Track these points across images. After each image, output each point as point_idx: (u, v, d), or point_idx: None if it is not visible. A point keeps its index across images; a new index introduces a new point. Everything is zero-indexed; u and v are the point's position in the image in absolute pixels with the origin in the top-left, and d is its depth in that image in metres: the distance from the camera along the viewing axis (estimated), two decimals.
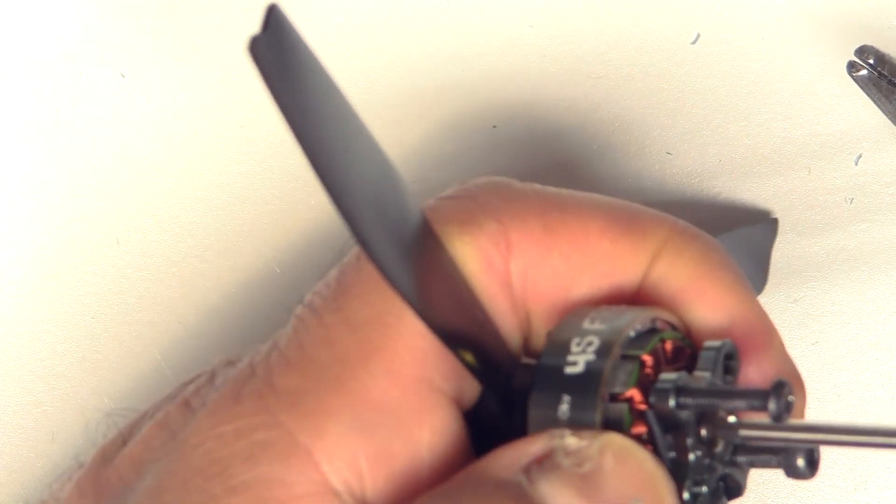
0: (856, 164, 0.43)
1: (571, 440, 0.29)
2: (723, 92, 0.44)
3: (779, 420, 0.28)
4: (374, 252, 0.27)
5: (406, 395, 0.30)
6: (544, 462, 0.28)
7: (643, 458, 0.29)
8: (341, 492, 0.29)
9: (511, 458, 0.29)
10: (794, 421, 0.29)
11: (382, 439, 0.29)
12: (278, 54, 0.26)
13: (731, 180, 0.44)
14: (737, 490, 0.31)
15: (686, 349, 0.31)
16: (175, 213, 0.45)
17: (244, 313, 0.45)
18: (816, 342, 0.43)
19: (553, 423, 0.29)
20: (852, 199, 0.43)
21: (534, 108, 0.45)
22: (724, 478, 0.30)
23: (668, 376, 0.29)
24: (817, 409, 0.42)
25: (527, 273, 0.31)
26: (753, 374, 0.31)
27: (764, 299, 0.43)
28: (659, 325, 0.31)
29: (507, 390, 0.30)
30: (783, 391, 0.28)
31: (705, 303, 0.32)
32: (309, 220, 0.45)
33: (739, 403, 0.29)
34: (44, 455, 0.44)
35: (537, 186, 0.33)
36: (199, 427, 0.30)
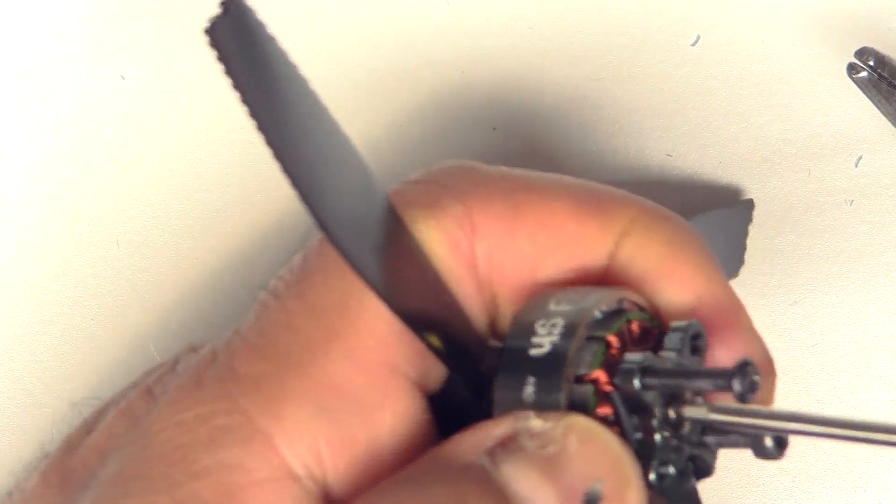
0: (856, 166, 0.43)
1: (536, 422, 0.28)
2: (723, 93, 0.44)
3: (743, 400, 0.28)
4: (334, 235, 0.27)
5: (367, 380, 0.29)
6: (508, 444, 0.28)
7: (608, 440, 0.29)
8: (302, 476, 0.29)
9: (475, 440, 0.29)
10: (760, 407, 0.29)
11: (343, 424, 0.29)
12: (238, 39, 0.25)
13: (731, 181, 0.44)
14: (706, 471, 0.30)
15: (654, 330, 0.31)
16: (175, 214, 0.45)
17: (245, 315, 0.45)
18: (816, 344, 0.43)
19: (518, 405, 0.29)
20: (852, 200, 0.43)
21: (533, 110, 0.45)
22: (692, 458, 0.30)
23: (633, 357, 0.29)
24: (816, 409, 0.42)
25: (492, 255, 0.31)
26: (722, 354, 0.31)
27: (763, 301, 0.43)
28: (626, 305, 0.31)
29: (474, 373, 0.30)
30: (747, 371, 0.28)
31: (673, 283, 0.32)
32: (310, 221, 0.45)
33: (704, 383, 0.29)
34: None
35: (503, 168, 0.33)
36: (160, 414, 0.30)
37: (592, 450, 0.28)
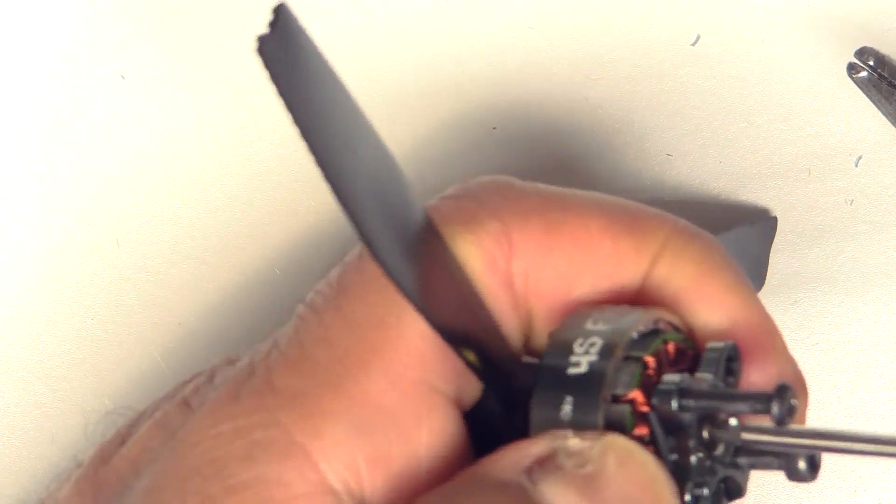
0: (856, 166, 0.43)
1: (574, 441, 0.29)
2: (723, 93, 0.44)
3: (781, 424, 0.28)
4: (377, 250, 0.27)
5: (404, 397, 0.29)
6: (546, 463, 0.28)
7: (645, 460, 0.29)
8: (340, 492, 0.29)
9: (513, 458, 0.29)
10: (796, 426, 0.29)
11: (380, 440, 0.29)
12: (286, 53, 0.26)
13: (731, 182, 0.44)
14: (737, 491, 0.31)
15: (689, 351, 0.31)
16: (175, 214, 0.45)
17: (244, 315, 0.45)
18: (816, 343, 0.43)
19: (555, 423, 0.29)
20: (852, 200, 0.43)
21: (534, 110, 0.45)
22: (724, 479, 0.30)
23: (671, 378, 0.29)
24: (817, 410, 0.42)
25: (529, 272, 0.31)
26: (756, 375, 0.31)
27: (764, 301, 0.43)
28: (661, 326, 0.31)
29: (508, 390, 0.30)
30: (786, 395, 0.28)
31: (707, 304, 0.32)
32: (309, 221, 0.45)
33: (742, 406, 0.29)
34: (44, 457, 0.44)
35: (539, 185, 0.33)
36: (197, 426, 0.30)
37: (630, 470, 0.28)
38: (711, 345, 0.31)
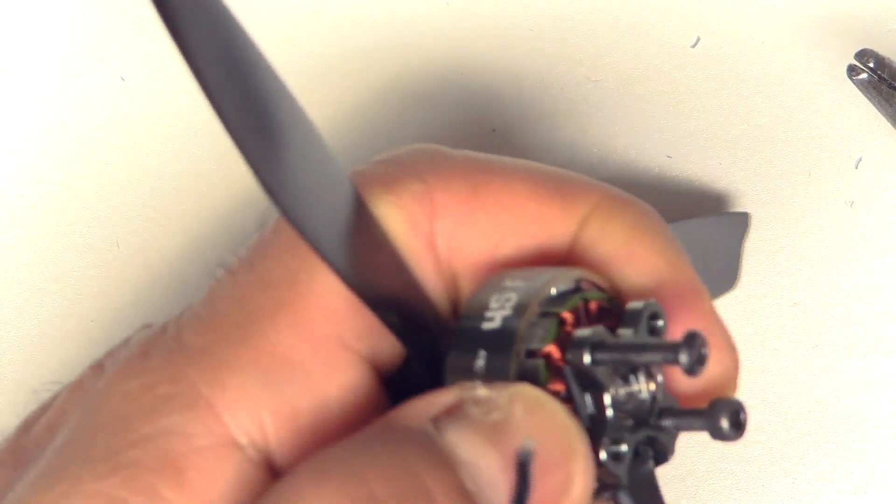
0: (856, 168, 0.43)
1: (482, 391, 0.28)
2: (723, 95, 0.44)
3: (692, 373, 0.28)
4: (287, 208, 0.26)
5: (313, 351, 0.29)
6: (453, 412, 0.28)
7: (554, 409, 0.28)
8: (244, 445, 0.29)
9: (420, 408, 0.28)
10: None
11: (287, 394, 0.29)
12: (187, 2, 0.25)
13: (731, 183, 0.44)
14: (663, 455, 0.30)
15: (613, 311, 0.31)
16: (175, 216, 0.45)
17: None
18: (816, 346, 0.43)
19: (469, 378, 0.29)
20: (852, 202, 0.43)
21: (533, 112, 0.45)
22: (651, 441, 0.30)
23: (584, 332, 0.29)
24: (817, 411, 0.42)
25: (452, 233, 0.31)
26: (680, 334, 0.31)
27: (764, 302, 0.43)
28: (583, 285, 0.31)
29: (433, 354, 0.30)
30: (695, 343, 0.28)
31: (634, 266, 0.31)
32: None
33: (653, 356, 0.29)
34: None
35: (467, 151, 0.33)
36: (106, 385, 0.30)
37: (538, 418, 0.28)
38: (632, 303, 0.30)
